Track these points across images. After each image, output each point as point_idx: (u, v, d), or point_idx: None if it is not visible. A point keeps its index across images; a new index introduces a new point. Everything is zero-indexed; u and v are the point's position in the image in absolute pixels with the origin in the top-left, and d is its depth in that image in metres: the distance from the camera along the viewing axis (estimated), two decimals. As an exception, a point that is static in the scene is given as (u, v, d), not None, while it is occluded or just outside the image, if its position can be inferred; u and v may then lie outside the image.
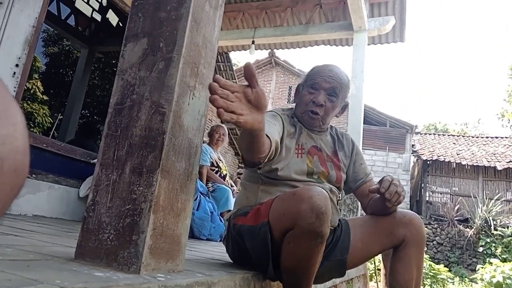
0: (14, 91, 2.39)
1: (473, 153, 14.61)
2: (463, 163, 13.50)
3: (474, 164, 13.47)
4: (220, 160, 4.19)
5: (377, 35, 4.85)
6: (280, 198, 1.20)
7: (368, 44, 4.77)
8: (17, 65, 2.39)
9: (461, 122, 34.91)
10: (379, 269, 4.69)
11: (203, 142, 4.12)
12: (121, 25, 5.39)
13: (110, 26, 5.49)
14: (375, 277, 4.63)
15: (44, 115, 7.90)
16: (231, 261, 1.49)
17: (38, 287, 0.54)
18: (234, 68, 8.96)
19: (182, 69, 0.93)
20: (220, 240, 3.53)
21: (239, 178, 7.85)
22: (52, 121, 8.12)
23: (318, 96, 1.45)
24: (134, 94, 0.94)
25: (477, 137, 17.40)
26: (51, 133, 7.61)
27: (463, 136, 18.03)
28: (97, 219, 0.88)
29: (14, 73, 2.38)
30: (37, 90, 7.85)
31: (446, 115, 76.67)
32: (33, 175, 2.96)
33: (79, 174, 3.39)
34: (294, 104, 1.59)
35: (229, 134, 9.57)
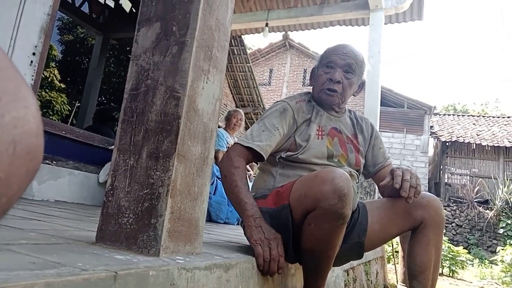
0: (32, 79, 2.43)
1: (494, 134, 14.26)
2: (484, 144, 13.21)
3: (495, 145, 13.17)
4: (236, 145, 4.19)
5: (394, 13, 4.72)
6: (302, 180, 1.20)
7: (385, 23, 4.65)
8: (34, 54, 2.41)
9: (481, 102, 34.06)
10: (396, 251, 4.68)
11: (219, 127, 4.13)
12: (134, 11, 5.38)
13: (123, 12, 5.50)
14: (392, 259, 4.62)
15: (62, 102, 8.03)
16: (249, 244, 1.50)
17: (60, 269, 0.55)
18: (248, 52, 8.87)
19: (196, 53, 0.93)
20: (237, 224, 3.56)
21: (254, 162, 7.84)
22: (70, 109, 8.25)
23: (334, 74, 1.44)
24: (148, 79, 0.94)
25: (498, 117, 16.94)
26: (70, 120, 7.74)
27: (483, 117, 17.58)
28: (116, 203, 0.90)
29: (32, 61, 2.41)
30: (55, 78, 7.95)
31: (465, 95, 74.65)
32: (54, 162, 3.03)
33: (98, 160, 3.46)
34: (311, 88, 1.58)
35: (244, 119, 9.55)
